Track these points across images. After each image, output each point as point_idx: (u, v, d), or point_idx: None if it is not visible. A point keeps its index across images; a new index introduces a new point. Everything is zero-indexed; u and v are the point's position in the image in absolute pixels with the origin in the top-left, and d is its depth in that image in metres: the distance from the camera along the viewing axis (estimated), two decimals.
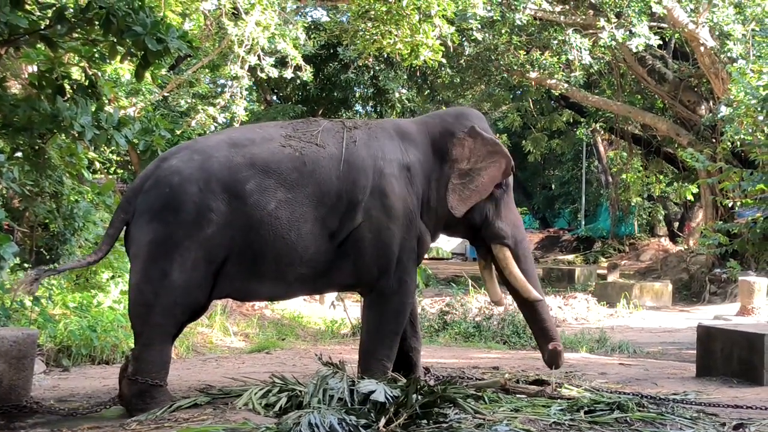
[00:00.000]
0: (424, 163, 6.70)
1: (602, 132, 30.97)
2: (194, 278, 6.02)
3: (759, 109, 16.03)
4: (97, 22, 6.56)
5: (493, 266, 7.11)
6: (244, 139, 6.38)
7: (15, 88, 9.02)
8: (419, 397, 5.34)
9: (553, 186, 46.31)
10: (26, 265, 8.97)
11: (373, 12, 15.95)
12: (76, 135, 7.30)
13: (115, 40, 6.74)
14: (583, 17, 21.41)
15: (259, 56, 17.88)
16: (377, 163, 6.44)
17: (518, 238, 6.95)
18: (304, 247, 6.22)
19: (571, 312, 16.49)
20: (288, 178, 6.21)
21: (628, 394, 6.41)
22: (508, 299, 8.06)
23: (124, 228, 6.23)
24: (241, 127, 7.01)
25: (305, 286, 6.68)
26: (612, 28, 19.43)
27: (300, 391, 5.82)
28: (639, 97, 26.64)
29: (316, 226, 6.26)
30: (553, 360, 7.03)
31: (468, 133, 6.80)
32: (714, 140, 20.93)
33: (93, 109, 7.30)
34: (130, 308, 6.16)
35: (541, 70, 22.79)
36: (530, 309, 7.07)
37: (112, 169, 18.99)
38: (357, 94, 26.37)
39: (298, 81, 21.11)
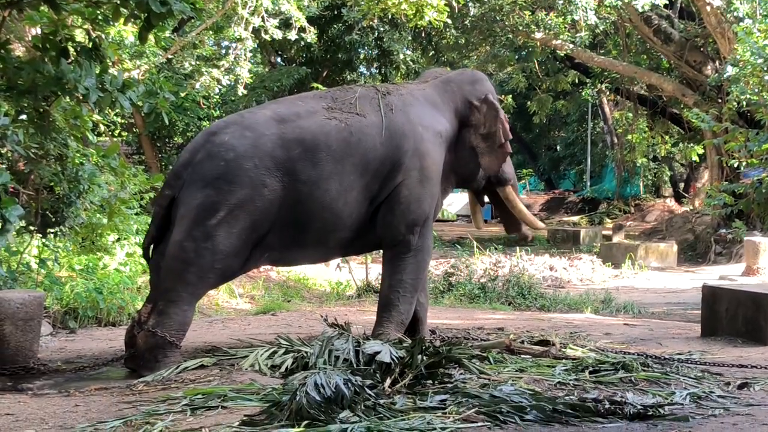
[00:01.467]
0: (450, 130, 7.10)
1: (608, 93, 30.83)
2: (236, 246, 6.14)
3: (765, 69, 16.01)
4: None
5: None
6: (291, 114, 6.53)
7: (19, 50, 8.98)
8: (424, 357, 5.38)
9: (558, 147, 46.24)
10: (32, 227, 8.98)
11: None
12: (81, 97, 7.28)
13: (118, 2, 6.72)
14: None
15: (263, 18, 17.83)
16: (416, 129, 6.76)
17: (512, 176, 7.57)
18: (349, 213, 6.52)
19: (576, 273, 16.50)
20: (337, 151, 6.44)
21: (633, 354, 6.43)
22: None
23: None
24: (282, 100, 7.12)
25: (342, 249, 7.12)
26: None
27: (305, 353, 5.85)
28: (645, 57, 26.52)
29: (361, 192, 6.54)
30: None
31: (483, 101, 7.21)
32: (720, 100, 20.86)
33: (97, 72, 7.27)
34: (167, 263, 6.18)
35: (547, 31, 22.69)
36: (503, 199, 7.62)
37: (117, 131, 19.02)
38: (361, 56, 26.30)
39: (302, 43, 21.05)
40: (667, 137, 28.62)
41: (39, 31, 7.76)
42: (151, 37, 9.26)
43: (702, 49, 22.82)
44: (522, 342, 6.75)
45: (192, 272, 6.07)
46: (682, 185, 33.17)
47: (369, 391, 4.70)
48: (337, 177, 6.38)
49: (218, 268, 6.15)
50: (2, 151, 8.02)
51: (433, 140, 6.85)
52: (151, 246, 6.43)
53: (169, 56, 18.20)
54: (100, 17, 7.54)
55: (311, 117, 6.49)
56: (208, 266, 6.09)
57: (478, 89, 7.30)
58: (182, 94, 18.27)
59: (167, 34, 17.01)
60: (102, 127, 14.54)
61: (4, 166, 7.82)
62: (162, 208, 6.31)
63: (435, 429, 4.19)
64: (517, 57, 30.33)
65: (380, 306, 6.90)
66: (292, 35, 18.73)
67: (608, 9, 21.06)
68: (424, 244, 6.88)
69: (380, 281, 7.54)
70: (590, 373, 5.68)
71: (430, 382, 5.19)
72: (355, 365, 5.37)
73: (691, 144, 24.09)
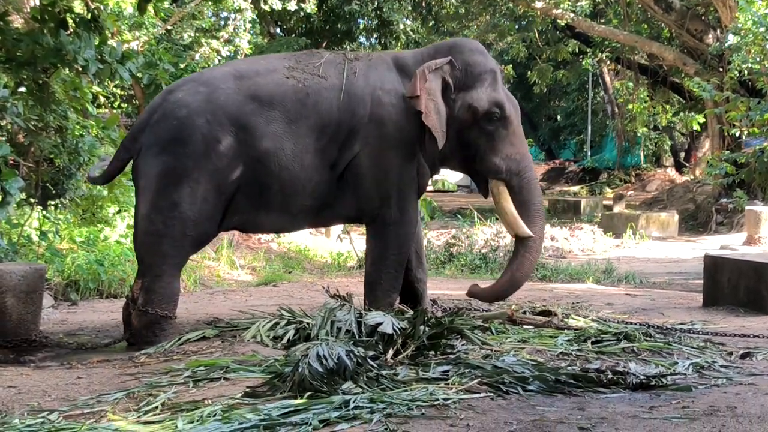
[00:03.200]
0: None
1: (608, 62, 30.73)
2: (204, 209, 6.07)
3: (767, 37, 15.93)
4: None
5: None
6: (250, 71, 6.39)
7: (17, 22, 8.94)
8: (426, 328, 5.37)
9: (558, 117, 46.18)
10: (32, 199, 8.97)
11: None
12: (80, 69, 7.27)
13: None
14: None
15: None
16: (375, 93, 6.40)
17: (514, 171, 6.60)
18: (308, 178, 6.27)
19: (577, 243, 16.49)
20: (291, 110, 6.24)
21: (635, 324, 6.43)
22: None
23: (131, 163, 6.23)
24: (246, 59, 6.99)
25: (309, 218, 6.73)
26: None
27: (307, 324, 5.84)
28: (645, 26, 26.44)
29: (318, 157, 6.29)
30: (481, 296, 6.90)
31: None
32: (721, 69, 20.76)
33: (96, 43, 7.26)
34: (139, 238, 6.19)
35: (547, 0, 22.58)
36: (518, 243, 6.73)
37: (117, 103, 18.95)
38: (361, 26, 26.17)
39: (302, 13, 21.00)
40: (667, 107, 28.53)
41: (38, 2, 7.74)
42: (150, 8, 9.21)
43: (703, 17, 22.72)
44: (524, 312, 6.75)
45: (166, 244, 6.03)
46: (682, 155, 33.13)
47: (371, 363, 4.70)
48: (292, 137, 6.21)
49: (191, 235, 6.10)
50: (2, 124, 8.01)
51: (395, 103, 6.41)
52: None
53: (168, 27, 18.13)
54: None
55: (270, 75, 6.35)
56: (180, 235, 6.04)
57: (454, 55, 6.56)
58: (182, 66, 18.11)
59: (166, 5, 16.95)
60: (101, 99, 14.51)
61: (3, 139, 7.81)
62: (117, 169, 6.36)
63: (438, 400, 4.19)
64: (517, 26, 30.26)
65: (366, 285, 6.68)
66: (292, 5, 18.68)
67: None
68: (404, 218, 6.52)
69: (364, 258, 7.27)
70: (592, 343, 5.68)
71: (433, 353, 5.18)
72: (357, 336, 5.36)
73: (692, 113, 24.00)
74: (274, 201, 6.30)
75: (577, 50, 30.34)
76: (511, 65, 30.89)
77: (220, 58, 19.52)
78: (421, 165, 6.62)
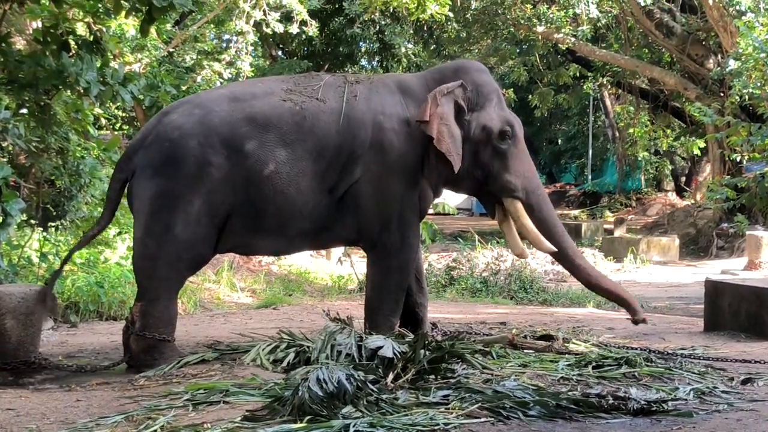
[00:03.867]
0: None
1: (609, 86, 30.75)
2: (198, 232, 6.04)
3: (767, 62, 15.95)
4: None
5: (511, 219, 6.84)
6: (246, 94, 6.37)
7: (20, 44, 8.97)
8: (427, 352, 5.35)
9: (559, 141, 46.20)
10: (33, 221, 8.97)
11: None
12: (82, 91, 7.27)
13: None
14: None
15: (264, 11, 17.83)
16: (377, 118, 6.34)
17: (529, 189, 6.64)
18: (304, 201, 6.21)
19: None
20: (288, 133, 6.18)
21: (636, 348, 6.41)
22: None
23: (126, 185, 6.23)
24: (244, 81, 6.99)
25: (307, 241, 6.70)
26: None
27: (308, 347, 5.82)
28: (647, 51, 26.50)
29: (315, 180, 6.23)
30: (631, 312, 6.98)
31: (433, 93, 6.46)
32: (722, 94, 20.80)
33: (98, 65, 7.26)
34: (135, 263, 6.21)
35: (548, 24, 22.68)
36: (560, 259, 6.94)
37: (118, 125, 18.98)
38: (363, 49, 26.27)
39: (304, 36, 21.02)
40: (668, 131, 28.57)
41: (40, 24, 7.75)
42: (152, 30, 9.23)
43: (704, 42, 22.79)
44: (525, 337, 6.72)
45: (161, 267, 6.01)
46: (683, 179, 33.18)
47: (371, 387, 4.69)
48: (287, 161, 6.14)
49: (186, 258, 6.08)
50: (3, 145, 8.02)
51: (397, 129, 6.35)
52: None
53: (171, 50, 18.18)
54: (101, 10, 7.53)
55: (266, 97, 6.30)
56: (174, 258, 6.02)
57: (460, 77, 6.56)
58: (183, 88, 18.18)
59: (168, 27, 16.99)
60: (103, 121, 14.54)
61: (5, 160, 7.82)
62: (115, 192, 6.28)
63: (438, 424, 4.18)
64: (518, 50, 30.29)
65: (366, 310, 6.66)
66: (294, 29, 18.70)
67: (610, 2, 21.08)
68: (405, 243, 6.47)
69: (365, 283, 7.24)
70: (593, 368, 5.65)
71: (433, 377, 5.16)
72: (357, 360, 5.34)
73: (693, 138, 24.06)
74: (270, 224, 6.26)
75: (578, 74, 30.39)
76: (512, 89, 30.90)
77: (221, 80, 19.55)
78: (423, 189, 6.57)
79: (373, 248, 6.56)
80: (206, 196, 6.02)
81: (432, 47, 29.47)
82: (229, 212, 6.13)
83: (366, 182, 6.31)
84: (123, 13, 7.00)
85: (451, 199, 31.73)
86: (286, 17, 19.22)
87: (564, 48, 25.60)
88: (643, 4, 20.20)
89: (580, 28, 22.57)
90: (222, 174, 6.05)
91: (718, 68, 20.20)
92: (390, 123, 6.36)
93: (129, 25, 13.61)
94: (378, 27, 24.02)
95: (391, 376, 5.08)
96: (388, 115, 6.38)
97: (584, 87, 30.23)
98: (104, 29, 8.00)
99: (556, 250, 6.66)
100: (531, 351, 6.31)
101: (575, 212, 33.08)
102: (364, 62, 26.84)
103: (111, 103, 9.46)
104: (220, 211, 6.10)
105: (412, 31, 25.26)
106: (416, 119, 6.31)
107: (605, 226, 25.28)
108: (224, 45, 21.40)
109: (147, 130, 6.29)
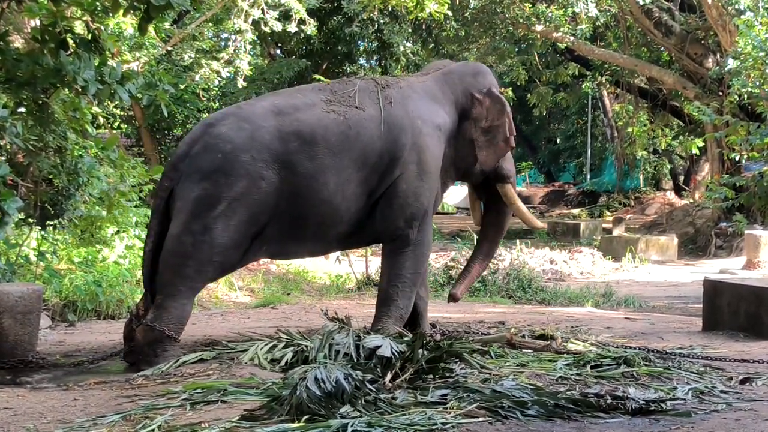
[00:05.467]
0: (449, 122, 7.02)
1: (608, 85, 30.71)
2: (234, 239, 6.14)
3: (766, 62, 15.97)
4: None
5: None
6: (289, 107, 6.50)
7: (18, 42, 8.95)
8: (425, 352, 5.36)
9: (558, 140, 46.19)
10: (30, 220, 8.95)
11: None
12: (80, 89, 7.25)
13: None
14: None
15: (262, 10, 17.78)
16: (415, 123, 6.72)
17: (512, 174, 7.49)
18: (347, 208, 6.48)
19: (577, 266, 16.50)
20: (335, 144, 6.40)
21: (635, 348, 6.40)
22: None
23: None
24: (281, 92, 7.10)
25: (341, 243, 7.20)
26: None
27: (306, 346, 5.83)
28: (645, 50, 26.48)
29: (359, 186, 6.50)
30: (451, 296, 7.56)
31: (486, 94, 7.13)
32: (721, 93, 20.80)
33: (96, 64, 7.24)
34: (165, 258, 6.17)
35: (547, 23, 22.66)
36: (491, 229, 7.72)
37: (116, 123, 18.99)
38: (361, 48, 26.18)
39: (302, 35, 20.96)
40: (667, 130, 28.53)
41: (38, 22, 7.72)
42: (150, 28, 9.22)
43: (703, 41, 22.78)
44: (523, 336, 6.74)
45: (190, 266, 6.06)
46: (682, 178, 33.15)
47: (370, 386, 4.69)
48: (335, 171, 6.35)
49: (217, 262, 6.15)
50: (1, 144, 8.00)
51: (431, 133, 6.80)
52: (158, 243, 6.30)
53: (169, 48, 18.14)
54: (99, 8, 7.50)
55: (309, 110, 6.46)
56: (206, 260, 6.09)
57: (480, 81, 7.23)
58: (182, 87, 18.20)
59: (167, 25, 16.98)
60: (101, 120, 14.53)
61: (3, 158, 7.80)
62: (162, 200, 6.28)
63: (436, 424, 4.18)
64: (517, 49, 30.25)
65: (379, 300, 6.88)
66: (292, 27, 18.65)
67: (609, 1, 21.07)
68: (424, 239, 6.85)
69: (380, 275, 7.50)
70: (592, 367, 5.66)
71: (431, 376, 5.17)
72: (355, 359, 5.36)
73: (692, 137, 24.05)
74: (310, 231, 6.49)
75: (576, 73, 30.36)
76: (510, 88, 30.85)
77: (220, 79, 19.55)
78: (438, 189, 7.01)
79: (392, 241, 6.82)
80: (251, 206, 6.14)
81: (431, 46, 29.38)
82: (268, 221, 6.26)
83: (401, 181, 6.63)
84: (121, 11, 6.99)
85: (450, 198, 31.80)
86: (285, 16, 19.18)
87: (563, 47, 25.55)
88: (641, 2, 20.19)
89: (578, 27, 22.56)
90: (271, 187, 6.19)
91: (717, 67, 20.20)
92: (426, 128, 6.79)
93: (127, 23, 13.58)
94: (377, 26, 23.96)
95: (389, 376, 5.09)
96: (425, 120, 6.81)
97: (583, 86, 30.22)
98: (102, 28, 7.97)
99: (545, 227, 7.39)
100: (529, 350, 6.33)
101: (574, 211, 33.07)
102: (362, 61, 26.78)
103: (109, 102, 9.46)
104: (261, 221, 6.23)
105: (410, 30, 25.22)
106: (513, 134, 7.19)
107: (604, 225, 25.28)
108: (222, 44, 21.35)
109: (192, 139, 6.36)
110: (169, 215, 6.24)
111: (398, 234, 6.73)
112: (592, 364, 5.74)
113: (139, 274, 9.54)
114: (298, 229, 6.41)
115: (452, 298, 7.53)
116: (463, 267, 12.94)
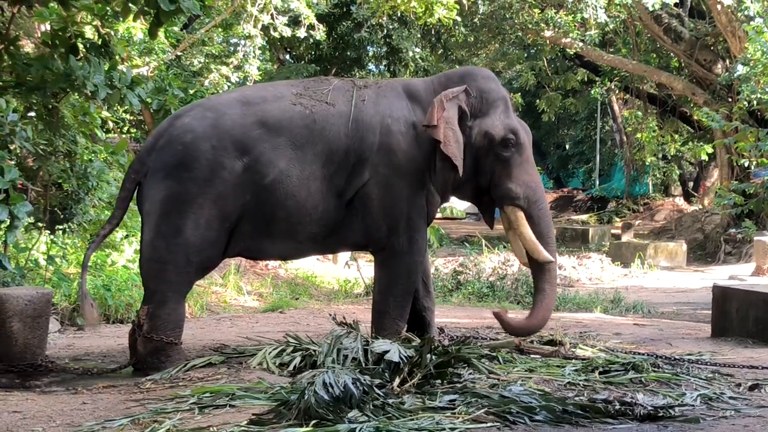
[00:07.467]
0: None
1: (617, 91, 30.70)
2: (208, 236, 6.07)
3: None
4: None
5: None
6: (256, 97, 6.41)
7: (28, 47, 8.97)
8: (433, 357, 5.34)
9: (567, 146, 46.14)
10: (40, 224, 8.98)
11: None
12: (90, 94, 7.27)
13: None
14: None
15: (272, 15, 17.83)
16: (384, 121, 6.39)
17: (532, 199, 6.57)
18: (314, 205, 6.26)
19: (585, 272, 16.48)
20: (298, 136, 6.24)
21: (643, 354, 6.39)
22: None
23: (137, 188, 6.24)
24: (254, 85, 7.03)
25: (316, 245, 6.73)
26: None
27: (314, 351, 5.83)
28: (654, 56, 26.44)
29: (325, 184, 6.29)
30: (515, 330, 6.62)
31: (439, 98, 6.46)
32: (730, 99, 20.75)
33: (106, 68, 7.27)
34: (143, 265, 6.21)
35: (556, 29, 22.64)
36: (537, 272, 6.68)
37: (126, 128, 18.99)
38: (370, 54, 26.25)
39: (311, 40, 21.04)
40: (676, 136, 28.50)
41: (48, 27, 7.75)
42: (160, 33, 9.22)
43: (712, 47, 22.73)
44: (531, 342, 6.71)
45: (170, 270, 6.05)
46: (691, 184, 33.06)
47: (378, 391, 4.69)
48: (298, 164, 6.20)
49: (195, 261, 6.12)
50: (11, 148, 8.01)
51: (404, 132, 6.40)
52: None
53: (178, 53, 18.18)
54: (109, 14, 7.52)
55: (277, 101, 6.35)
56: (184, 262, 6.06)
57: (467, 83, 6.55)
58: (191, 91, 18.19)
59: (176, 30, 17.00)
60: (111, 124, 14.54)
61: (12, 163, 7.81)
62: (128, 192, 6.28)
63: (444, 429, 4.17)
64: (526, 55, 30.29)
65: (373, 313, 6.69)
66: (301, 33, 18.71)
67: (618, 7, 21.00)
68: (413, 247, 6.51)
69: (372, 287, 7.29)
70: (600, 373, 5.64)
71: (439, 381, 5.16)
72: (363, 364, 5.35)
73: (701, 143, 23.97)
74: (280, 228, 6.29)
75: (585, 79, 30.38)
76: (519, 93, 30.89)
77: (229, 84, 19.57)
78: (431, 193, 6.60)
79: (380, 251, 6.59)
80: (218, 200, 6.06)
81: (440, 51, 29.44)
82: (240, 216, 6.17)
83: (374, 185, 6.35)
84: (131, 16, 7.01)
85: (459, 203, 31.73)
86: (294, 21, 19.25)
87: (572, 52, 25.57)
88: (651, 9, 20.14)
89: (588, 33, 22.54)
90: (234, 177, 6.10)
91: (726, 73, 20.13)
92: (397, 126, 6.40)
93: (137, 28, 13.61)
94: (385, 31, 24.01)
95: (397, 381, 5.07)
96: (396, 119, 6.42)
97: (592, 92, 30.14)
98: (112, 32, 8.01)
99: (553, 260, 6.59)
100: (538, 356, 6.32)
101: (583, 217, 33.01)
102: (371, 66, 26.83)
103: (119, 107, 9.45)
104: (231, 215, 6.13)
105: (419, 36, 25.27)
106: (423, 123, 6.31)
107: (613, 231, 25.25)
108: (232, 49, 21.37)
109: (159, 132, 6.33)
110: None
111: (384, 242, 6.48)
112: (601, 369, 5.72)
113: None
114: (269, 225, 6.26)
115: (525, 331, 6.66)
116: (472, 272, 13.00)
